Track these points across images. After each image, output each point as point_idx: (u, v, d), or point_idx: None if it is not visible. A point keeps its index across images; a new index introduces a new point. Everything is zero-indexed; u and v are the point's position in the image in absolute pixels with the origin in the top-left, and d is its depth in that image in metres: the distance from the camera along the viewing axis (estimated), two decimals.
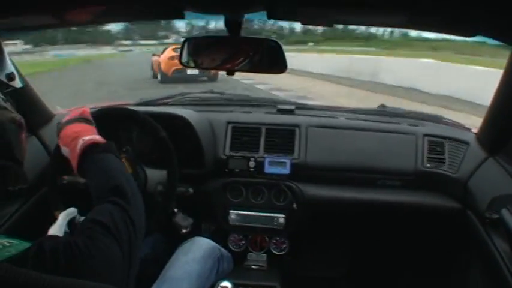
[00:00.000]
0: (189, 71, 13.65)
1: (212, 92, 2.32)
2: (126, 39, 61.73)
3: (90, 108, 1.42)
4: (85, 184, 1.43)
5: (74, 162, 1.15)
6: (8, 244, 0.71)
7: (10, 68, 1.41)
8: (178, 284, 1.35)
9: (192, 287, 1.37)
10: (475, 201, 1.66)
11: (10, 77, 1.39)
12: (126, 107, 1.78)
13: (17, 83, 1.41)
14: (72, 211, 1.20)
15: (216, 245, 1.62)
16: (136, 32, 61.62)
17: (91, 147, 1.13)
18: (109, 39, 56.85)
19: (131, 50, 52.03)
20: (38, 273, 0.62)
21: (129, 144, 1.68)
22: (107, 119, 1.49)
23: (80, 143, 1.14)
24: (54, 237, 0.84)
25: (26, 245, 0.72)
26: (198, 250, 1.48)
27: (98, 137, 1.17)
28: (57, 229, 1.14)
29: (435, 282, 2.10)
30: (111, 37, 58.86)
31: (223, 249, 1.65)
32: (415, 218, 1.96)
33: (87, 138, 1.15)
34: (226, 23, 1.19)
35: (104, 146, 1.14)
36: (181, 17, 1.14)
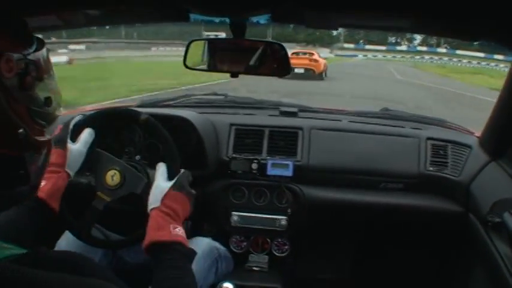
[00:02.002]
0: (296, 70, 16.44)
1: (215, 94, 2.33)
2: (346, 42, 54.93)
3: (91, 110, 1.42)
4: (87, 184, 1.44)
5: (150, 238, 1.09)
6: (6, 246, 0.71)
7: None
8: None
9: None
10: (477, 204, 1.66)
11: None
12: (129, 107, 1.78)
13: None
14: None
15: (216, 245, 1.62)
16: (360, 35, 55.05)
17: (179, 244, 1.08)
18: (329, 40, 52.13)
19: (355, 56, 46.34)
20: (35, 270, 0.62)
21: (131, 146, 1.69)
22: (109, 120, 1.50)
23: (173, 232, 1.09)
24: None
25: (22, 250, 0.72)
26: (196, 250, 1.48)
27: (184, 235, 1.12)
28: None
29: (437, 284, 2.10)
30: (332, 38, 53.54)
31: (222, 249, 1.65)
32: (417, 221, 1.96)
33: (179, 231, 1.10)
34: (231, 26, 1.19)
35: (189, 252, 1.10)
36: (186, 19, 1.15)
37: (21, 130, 0.89)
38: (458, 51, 46.65)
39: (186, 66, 1.38)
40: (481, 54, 43.64)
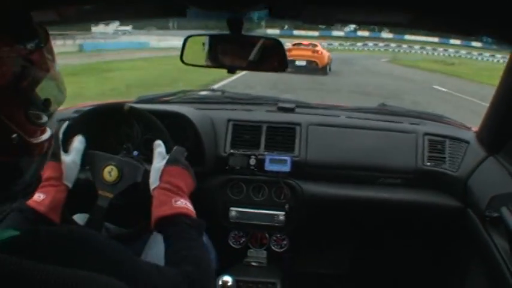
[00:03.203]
0: (297, 62, 15.62)
1: (213, 89, 2.33)
2: (269, 27, 40.61)
3: (89, 105, 1.41)
4: (86, 180, 1.44)
5: (154, 216, 1.11)
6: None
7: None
8: None
9: None
10: (475, 199, 1.66)
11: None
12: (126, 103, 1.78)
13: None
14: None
15: None
16: None
17: (184, 216, 1.09)
18: (249, 25, 47.44)
19: None
20: (31, 261, 0.62)
21: (129, 141, 1.69)
22: (95, 118, 1.50)
23: (175, 205, 1.11)
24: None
25: (12, 232, 0.71)
26: None
27: (190, 206, 1.14)
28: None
29: (435, 279, 2.11)
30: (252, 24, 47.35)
31: (205, 237, 1.65)
32: (415, 216, 1.96)
33: (182, 203, 1.12)
34: (228, 21, 1.19)
35: (197, 223, 1.10)
36: (183, 15, 1.14)
37: (14, 135, 0.79)
38: (407, 36, 42.68)
39: (184, 62, 1.37)
40: (435, 39, 40.07)
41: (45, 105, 0.85)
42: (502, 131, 1.67)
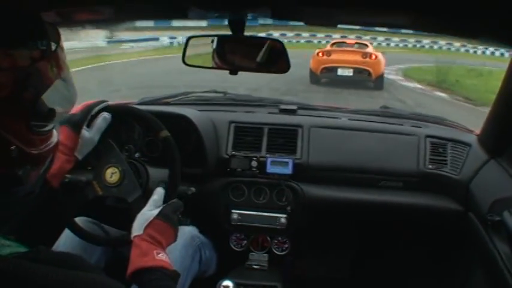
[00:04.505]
0: (340, 71, 10.89)
1: (215, 91, 2.32)
2: None
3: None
4: (87, 182, 1.44)
5: (134, 265, 1.10)
6: (6, 243, 0.71)
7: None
8: None
9: None
10: (477, 203, 1.66)
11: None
12: (129, 105, 1.78)
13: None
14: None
15: (196, 233, 1.64)
16: None
17: (164, 269, 1.09)
18: None
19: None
20: (34, 264, 0.62)
21: (131, 143, 1.69)
22: (130, 119, 1.50)
23: (157, 257, 1.11)
24: None
25: (22, 248, 0.71)
26: (178, 239, 1.48)
27: (166, 260, 1.14)
28: None
29: (436, 283, 2.10)
30: None
31: (202, 237, 1.66)
32: (417, 220, 1.96)
33: (163, 257, 1.12)
34: (230, 22, 1.19)
35: (173, 275, 1.11)
36: (184, 16, 1.14)
37: (13, 147, 0.71)
38: None
39: (185, 64, 1.37)
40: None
41: (50, 116, 0.77)
42: (504, 134, 1.66)
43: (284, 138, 1.93)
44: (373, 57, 11.18)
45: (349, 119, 2.07)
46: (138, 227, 1.18)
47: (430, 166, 1.85)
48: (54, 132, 0.82)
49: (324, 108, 2.23)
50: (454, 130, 2.05)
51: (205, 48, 1.38)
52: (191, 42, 1.39)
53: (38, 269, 0.62)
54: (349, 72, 11.04)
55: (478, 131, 1.90)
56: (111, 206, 1.39)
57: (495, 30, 0.92)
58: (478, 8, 0.82)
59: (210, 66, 1.39)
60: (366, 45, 12.21)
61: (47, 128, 0.77)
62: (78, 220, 1.45)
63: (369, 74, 10.98)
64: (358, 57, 11.13)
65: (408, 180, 1.86)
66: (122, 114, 1.56)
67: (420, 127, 2.02)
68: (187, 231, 1.59)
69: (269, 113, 2.10)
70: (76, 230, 1.39)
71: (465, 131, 2.04)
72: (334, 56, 11.28)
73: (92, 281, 0.67)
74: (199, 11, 1.09)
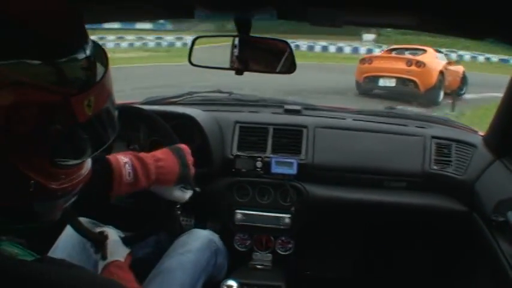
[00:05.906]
0: (382, 82, 9.32)
1: (220, 91, 2.33)
2: None
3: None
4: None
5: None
6: (16, 251, 0.71)
7: None
8: (171, 274, 1.35)
9: (186, 277, 1.36)
10: (482, 203, 1.65)
11: None
12: (133, 105, 1.78)
13: None
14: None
15: (214, 238, 1.62)
16: None
17: None
18: None
19: None
20: (37, 264, 0.63)
21: (136, 143, 1.69)
22: (144, 121, 1.50)
23: None
24: None
25: (27, 256, 0.70)
26: (194, 241, 1.47)
27: None
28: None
29: (440, 283, 2.10)
30: None
31: (220, 243, 1.65)
32: (421, 220, 1.95)
33: None
34: (236, 22, 1.19)
35: None
36: (191, 16, 1.15)
37: (32, 181, 0.63)
38: None
39: (192, 64, 1.38)
40: None
41: (78, 153, 0.68)
42: (509, 135, 1.66)
43: (289, 139, 1.93)
44: (421, 65, 9.19)
45: (353, 119, 2.07)
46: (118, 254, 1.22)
47: (435, 167, 1.85)
48: (88, 161, 0.73)
49: (329, 108, 2.23)
50: (459, 131, 2.05)
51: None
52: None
53: (41, 268, 0.63)
54: (391, 83, 9.34)
55: (483, 132, 1.90)
56: (114, 205, 1.39)
57: (504, 30, 0.92)
58: (483, 8, 0.82)
59: (216, 66, 1.40)
60: (422, 51, 9.97)
61: (72, 163, 0.69)
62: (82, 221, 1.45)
63: (415, 85, 9.12)
64: (402, 65, 9.32)
65: (413, 181, 1.86)
66: (128, 115, 1.57)
67: (425, 128, 2.01)
68: (204, 235, 1.58)
69: (274, 113, 2.10)
70: (79, 229, 1.40)
71: (470, 132, 2.03)
72: (376, 63, 9.76)
73: (94, 283, 0.68)
74: (206, 11, 1.09)
